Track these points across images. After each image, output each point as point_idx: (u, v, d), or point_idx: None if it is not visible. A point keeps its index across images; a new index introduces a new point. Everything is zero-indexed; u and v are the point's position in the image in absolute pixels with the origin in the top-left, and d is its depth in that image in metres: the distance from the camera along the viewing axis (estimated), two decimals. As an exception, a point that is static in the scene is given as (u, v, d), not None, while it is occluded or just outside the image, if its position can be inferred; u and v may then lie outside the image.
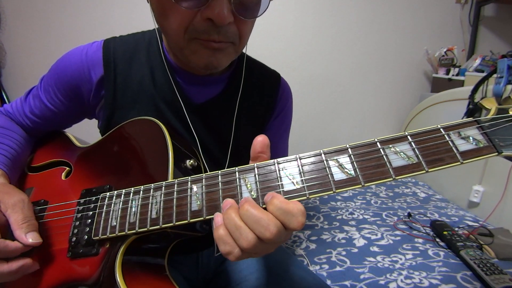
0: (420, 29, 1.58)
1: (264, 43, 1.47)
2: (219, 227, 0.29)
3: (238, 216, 0.28)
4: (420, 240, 0.89)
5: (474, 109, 0.31)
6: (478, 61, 1.36)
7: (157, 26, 0.50)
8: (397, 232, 0.93)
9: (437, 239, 0.88)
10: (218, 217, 0.30)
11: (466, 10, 1.57)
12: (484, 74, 0.66)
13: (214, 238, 0.29)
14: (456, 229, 0.92)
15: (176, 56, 0.50)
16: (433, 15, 1.57)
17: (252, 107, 0.56)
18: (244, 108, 0.55)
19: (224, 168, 0.33)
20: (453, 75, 1.41)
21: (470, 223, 0.99)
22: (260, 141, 0.32)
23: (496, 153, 0.25)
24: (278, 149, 0.62)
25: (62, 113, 0.54)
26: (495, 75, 0.61)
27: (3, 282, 0.37)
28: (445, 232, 0.88)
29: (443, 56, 1.46)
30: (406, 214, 1.04)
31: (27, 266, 0.37)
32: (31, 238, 0.37)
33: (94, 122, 0.57)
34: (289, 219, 0.27)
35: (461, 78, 1.37)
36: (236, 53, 0.46)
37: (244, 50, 0.56)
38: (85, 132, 0.64)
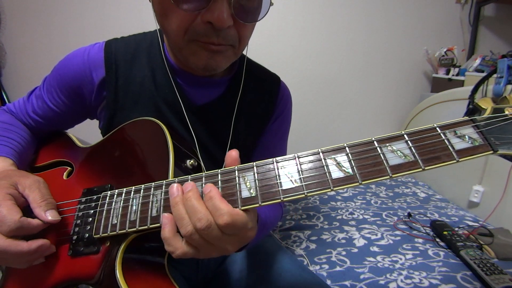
0: (420, 29, 1.58)
1: (264, 43, 1.48)
2: (165, 227, 0.31)
3: (184, 206, 0.31)
4: (420, 240, 0.89)
5: (474, 109, 0.32)
6: (478, 61, 1.36)
7: (158, 27, 0.50)
8: (397, 232, 0.93)
9: (437, 239, 0.88)
10: (165, 218, 0.32)
11: (466, 10, 1.57)
12: (484, 74, 0.66)
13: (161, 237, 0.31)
14: (456, 229, 0.92)
15: (176, 57, 0.50)
16: (433, 15, 1.57)
17: (252, 109, 0.57)
18: (243, 110, 0.55)
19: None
20: (453, 75, 1.41)
21: (470, 223, 0.99)
22: (231, 156, 0.34)
23: (492, 152, 0.25)
24: (277, 152, 0.62)
25: (64, 113, 0.54)
26: (495, 75, 0.61)
27: (19, 265, 0.38)
28: (445, 232, 0.88)
29: (443, 56, 1.46)
30: (406, 214, 1.04)
31: (45, 246, 0.38)
32: (50, 216, 0.38)
33: (95, 123, 0.57)
34: (217, 216, 0.29)
35: (461, 78, 1.37)
36: (235, 55, 0.46)
37: (244, 52, 0.57)
38: (87, 132, 0.65)
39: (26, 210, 0.38)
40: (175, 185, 0.32)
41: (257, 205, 0.30)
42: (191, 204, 0.30)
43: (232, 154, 0.33)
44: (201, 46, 0.41)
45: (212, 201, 0.30)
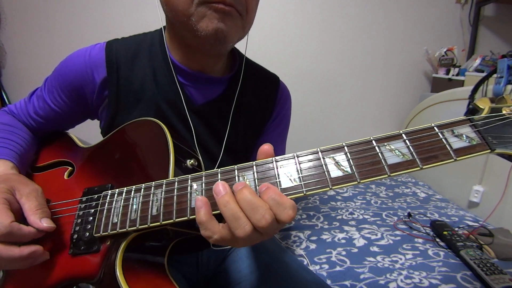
0: (420, 29, 1.58)
1: (264, 43, 1.48)
2: (200, 210, 0.30)
3: (237, 204, 0.29)
4: (420, 240, 0.89)
5: (474, 109, 0.32)
6: (478, 61, 1.36)
7: (163, 25, 0.49)
8: (397, 232, 0.93)
9: (437, 239, 0.88)
10: (198, 201, 0.30)
11: (466, 10, 1.58)
12: (484, 74, 0.66)
13: (196, 221, 0.30)
14: (456, 229, 0.92)
15: (179, 52, 0.50)
16: (433, 15, 1.57)
17: (251, 109, 0.57)
18: (242, 109, 0.56)
19: (221, 167, 0.34)
20: (453, 75, 1.41)
21: (470, 223, 0.99)
22: (265, 150, 0.33)
23: (489, 151, 0.26)
24: (276, 152, 0.63)
25: (66, 113, 0.55)
26: (495, 75, 0.61)
27: (12, 269, 0.38)
28: (445, 232, 0.88)
29: (443, 56, 1.46)
30: (406, 214, 1.04)
31: (38, 253, 0.38)
32: (45, 223, 0.38)
33: (95, 123, 0.58)
34: (281, 211, 0.28)
35: (461, 78, 1.37)
36: (243, 29, 0.46)
37: (243, 51, 0.57)
38: (87, 132, 0.65)
39: (20, 218, 0.38)
40: (220, 183, 0.30)
41: None
42: (249, 200, 0.28)
43: (265, 148, 0.33)
44: (211, 8, 0.41)
45: (274, 196, 0.28)
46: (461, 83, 1.36)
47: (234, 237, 0.29)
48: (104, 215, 0.39)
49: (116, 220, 0.37)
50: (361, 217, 1.04)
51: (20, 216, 0.39)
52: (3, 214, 0.35)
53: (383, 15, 1.55)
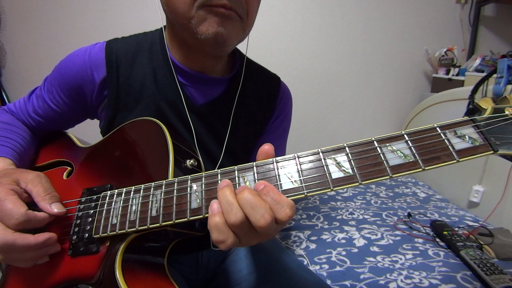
0: (420, 29, 1.58)
1: (264, 43, 1.48)
2: (215, 215, 0.29)
3: (233, 194, 0.29)
4: (420, 240, 0.89)
5: (474, 109, 0.32)
6: (478, 61, 1.36)
7: (163, 25, 0.49)
8: (397, 232, 0.93)
9: (437, 239, 0.88)
10: (214, 204, 0.30)
11: (466, 10, 1.57)
12: (484, 74, 0.66)
13: (208, 226, 0.30)
14: (456, 229, 0.92)
15: (179, 52, 0.50)
16: (433, 15, 1.57)
17: (252, 109, 0.57)
18: (243, 110, 0.55)
19: (221, 167, 0.34)
20: (453, 75, 1.41)
21: (470, 223, 0.99)
22: (265, 150, 0.32)
23: (492, 152, 0.25)
24: (276, 152, 0.62)
25: (65, 113, 0.54)
26: (495, 75, 0.61)
27: (26, 263, 0.38)
28: (445, 232, 0.88)
29: (443, 56, 1.46)
30: (406, 214, 1.04)
31: (52, 240, 0.38)
32: (56, 208, 0.39)
33: (95, 123, 0.57)
34: (278, 209, 0.28)
35: (461, 78, 1.37)
36: (243, 31, 0.46)
37: (244, 51, 0.57)
38: (87, 132, 0.65)
39: (30, 206, 0.38)
40: (225, 180, 0.31)
41: None
42: (249, 199, 0.28)
43: (265, 148, 0.32)
44: (211, 12, 0.41)
45: (271, 194, 0.28)
46: (461, 83, 1.36)
47: (228, 221, 0.28)
48: (103, 216, 0.38)
49: (115, 221, 0.37)
50: (361, 217, 1.04)
51: (30, 205, 0.39)
52: (16, 204, 0.36)
53: (383, 15, 1.55)
